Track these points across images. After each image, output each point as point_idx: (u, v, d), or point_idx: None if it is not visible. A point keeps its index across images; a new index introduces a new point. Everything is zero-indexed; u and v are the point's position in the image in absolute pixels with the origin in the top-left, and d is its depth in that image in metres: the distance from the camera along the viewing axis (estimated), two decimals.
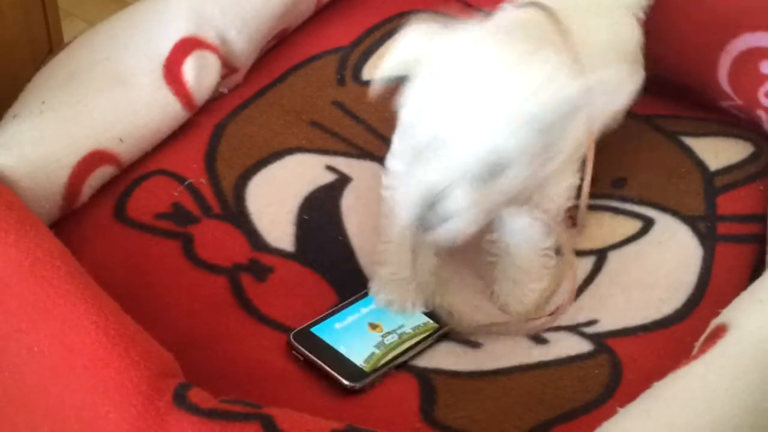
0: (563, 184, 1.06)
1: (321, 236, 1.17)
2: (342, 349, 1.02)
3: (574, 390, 1.03)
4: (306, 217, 1.18)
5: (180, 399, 0.79)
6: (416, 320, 1.07)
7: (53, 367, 0.84)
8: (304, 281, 1.12)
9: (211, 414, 0.78)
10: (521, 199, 0.98)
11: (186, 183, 1.19)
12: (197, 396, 0.80)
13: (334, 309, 1.07)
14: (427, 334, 1.06)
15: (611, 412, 0.90)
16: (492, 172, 0.87)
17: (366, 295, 1.09)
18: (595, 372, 1.05)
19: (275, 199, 1.20)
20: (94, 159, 1.12)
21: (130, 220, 1.14)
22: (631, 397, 0.92)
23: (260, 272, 1.12)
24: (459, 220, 0.88)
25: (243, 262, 1.12)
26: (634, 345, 1.07)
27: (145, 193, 1.17)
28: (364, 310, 1.07)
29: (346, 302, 1.08)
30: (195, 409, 0.78)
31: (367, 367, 1.01)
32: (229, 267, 1.11)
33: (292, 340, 1.03)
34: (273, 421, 0.78)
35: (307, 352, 1.02)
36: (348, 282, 1.11)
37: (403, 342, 1.05)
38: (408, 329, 1.06)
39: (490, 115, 0.85)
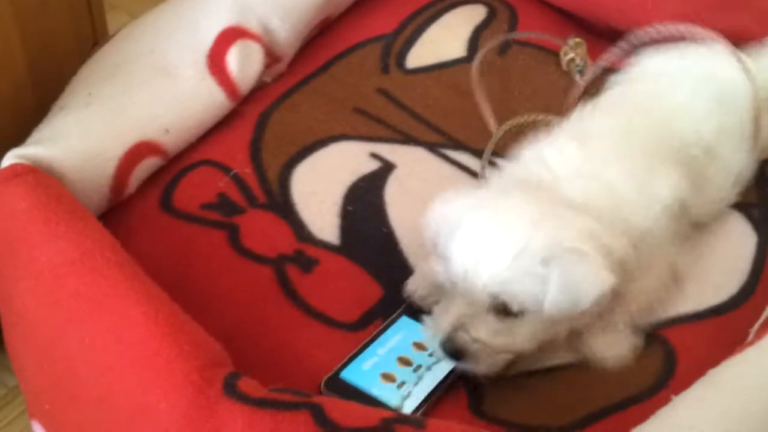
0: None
1: (365, 228, 1.16)
2: (374, 392, 0.98)
3: (626, 380, 1.02)
4: (350, 209, 1.18)
5: (230, 388, 0.80)
6: None
7: (104, 358, 0.84)
8: (350, 274, 1.11)
9: (261, 403, 0.78)
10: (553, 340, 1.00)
11: (231, 173, 1.19)
12: (247, 385, 0.80)
13: (365, 343, 1.03)
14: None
15: (665, 401, 0.90)
16: (502, 306, 0.95)
17: (395, 319, 1.06)
18: (648, 361, 1.04)
19: (320, 188, 1.20)
20: (141, 150, 1.13)
21: (177, 211, 1.14)
22: (686, 385, 0.91)
23: (306, 264, 1.11)
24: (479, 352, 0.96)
25: (288, 252, 1.12)
26: (688, 333, 1.06)
27: (191, 184, 1.18)
28: (393, 342, 1.03)
29: (375, 333, 1.04)
30: (245, 398, 0.79)
31: (403, 406, 0.97)
32: (274, 258, 1.11)
33: (324, 389, 0.98)
34: (322, 409, 0.78)
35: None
36: (393, 276, 1.10)
37: (436, 370, 1.01)
38: (438, 357, 1.02)
39: (492, 255, 0.95)
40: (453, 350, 0.96)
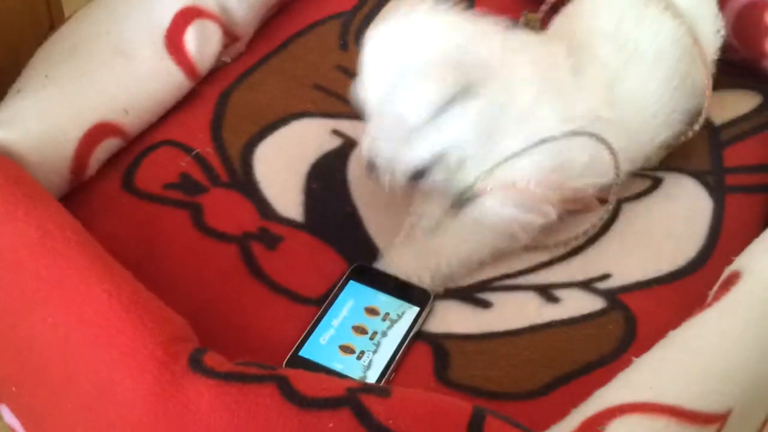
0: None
1: (329, 206, 1.16)
2: (337, 367, 0.99)
3: (589, 346, 1.03)
4: (314, 186, 1.18)
5: (195, 363, 0.80)
6: (396, 307, 1.05)
7: (68, 338, 0.84)
8: (314, 251, 1.11)
9: (227, 376, 0.78)
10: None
11: (193, 153, 1.19)
12: (212, 359, 0.81)
13: (317, 317, 1.03)
14: (413, 317, 1.04)
15: (627, 365, 0.91)
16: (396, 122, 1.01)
17: (344, 285, 1.06)
18: (609, 328, 1.05)
19: (282, 166, 1.20)
20: (100, 131, 1.12)
21: (139, 191, 1.14)
22: (647, 349, 0.92)
23: (270, 241, 1.11)
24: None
25: (253, 230, 1.12)
26: (648, 298, 1.07)
27: (153, 164, 1.17)
28: (345, 311, 1.04)
29: (326, 303, 1.04)
30: (211, 373, 0.79)
31: (366, 376, 0.98)
32: (239, 236, 1.11)
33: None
34: (288, 381, 0.79)
35: None
36: (357, 251, 1.11)
37: (392, 335, 1.02)
38: (392, 318, 1.04)
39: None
40: (368, 166, 1.04)
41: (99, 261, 0.88)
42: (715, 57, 1.23)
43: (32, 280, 0.88)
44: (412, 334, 1.02)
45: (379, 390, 0.80)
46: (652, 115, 1.14)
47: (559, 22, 1.21)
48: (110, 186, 1.14)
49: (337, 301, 1.05)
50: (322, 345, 1.00)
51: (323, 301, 1.05)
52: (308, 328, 1.02)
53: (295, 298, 1.06)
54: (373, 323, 1.03)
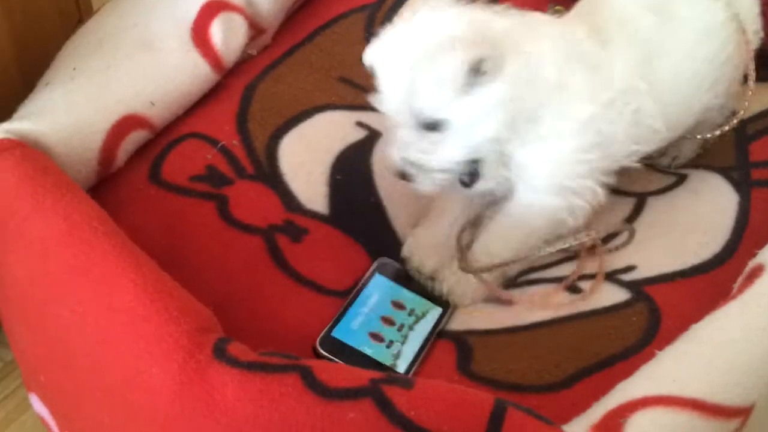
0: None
1: (353, 197, 1.17)
2: (368, 351, 1.01)
3: (612, 338, 1.03)
4: (338, 177, 1.18)
5: (220, 352, 0.80)
6: (421, 305, 1.06)
7: (95, 326, 0.85)
8: (339, 244, 1.12)
9: (250, 366, 0.79)
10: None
11: (219, 145, 1.19)
12: (237, 349, 0.81)
13: (346, 303, 1.05)
14: (437, 316, 1.05)
15: (650, 357, 0.91)
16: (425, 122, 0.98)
17: (369, 278, 1.08)
18: (632, 320, 1.05)
19: (307, 158, 1.20)
20: (127, 123, 1.13)
21: (166, 183, 1.15)
22: (671, 342, 0.92)
23: (295, 233, 1.12)
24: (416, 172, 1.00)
25: (278, 223, 1.13)
26: (673, 291, 1.07)
27: (180, 157, 1.18)
28: (373, 301, 1.06)
29: (353, 293, 1.06)
30: (235, 362, 0.79)
31: (396, 365, 1.00)
32: (264, 228, 1.12)
33: (319, 348, 1.00)
34: (311, 371, 0.79)
35: (336, 360, 0.99)
36: (381, 244, 1.12)
37: (418, 330, 1.04)
38: (418, 314, 1.05)
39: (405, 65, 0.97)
40: (399, 175, 1.00)
41: (125, 251, 0.89)
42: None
43: (60, 270, 0.89)
44: (437, 331, 1.04)
45: (401, 381, 0.81)
46: (691, 84, 1.11)
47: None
48: (137, 178, 1.15)
49: (364, 291, 1.06)
50: (353, 329, 1.02)
51: (347, 294, 1.06)
52: (339, 311, 1.03)
53: (320, 290, 1.07)
54: (399, 316, 1.04)
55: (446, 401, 0.81)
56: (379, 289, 1.07)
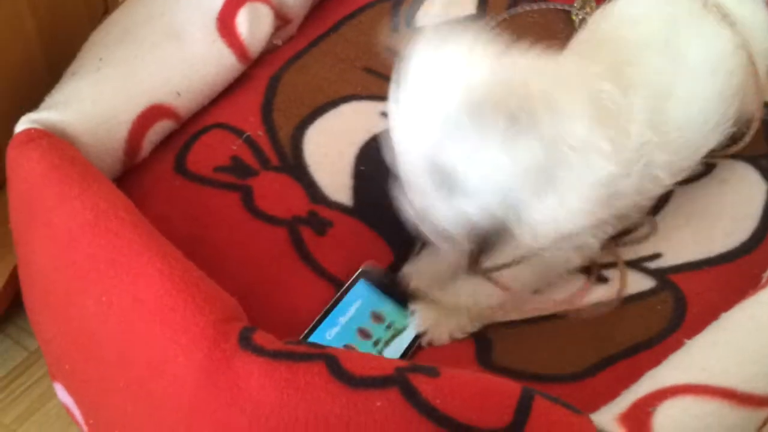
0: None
1: (378, 189, 1.15)
2: None
3: (637, 326, 1.03)
4: (363, 168, 1.18)
5: (245, 341, 0.80)
6: (401, 318, 1.04)
7: (121, 316, 0.85)
8: (362, 238, 1.12)
9: (276, 354, 0.79)
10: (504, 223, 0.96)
11: (244, 136, 1.19)
12: (262, 338, 0.81)
13: (325, 311, 1.03)
14: (412, 336, 1.02)
15: (676, 346, 0.90)
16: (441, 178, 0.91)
17: (353, 283, 1.05)
18: (657, 308, 1.04)
19: (332, 149, 1.20)
20: (153, 113, 1.14)
21: (191, 174, 1.15)
22: (697, 331, 0.91)
23: (319, 226, 1.12)
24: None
25: (302, 214, 1.13)
26: (699, 279, 1.07)
27: (204, 147, 1.18)
28: (353, 310, 1.03)
29: (334, 299, 1.04)
30: (260, 351, 0.79)
31: None
32: (288, 219, 1.12)
33: None
34: (337, 360, 0.79)
35: None
36: (404, 239, 1.10)
37: (394, 346, 1.01)
38: (396, 329, 1.03)
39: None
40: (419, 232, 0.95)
41: (151, 240, 0.89)
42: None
43: (86, 259, 0.89)
44: (411, 351, 1.02)
45: (427, 370, 0.80)
46: (700, 128, 1.06)
47: (594, 28, 1.12)
48: (162, 168, 1.15)
49: (345, 299, 1.04)
50: (328, 340, 1.00)
51: None
52: (317, 318, 1.02)
53: (341, 286, 1.06)
54: (377, 330, 1.02)
55: (472, 390, 0.80)
56: (360, 297, 1.05)
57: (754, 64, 1.10)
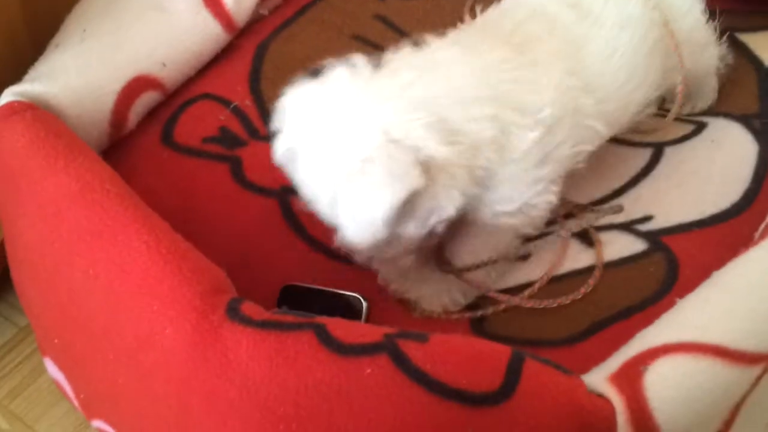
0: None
1: None
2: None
3: (629, 289, 1.02)
4: None
5: (233, 312, 0.80)
6: None
7: (108, 288, 0.85)
8: None
9: (264, 324, 0.78)
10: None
11: (232, 106, 1.19)
12: (250, 309, 0.81)
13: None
14: None
15: (669, 308, 0.90)
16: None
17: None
18: (650, 270, 1.04)
19: None
20: (139, 84, 1.13)
21: (178, 145, 1.14)
22: (690, 292, 0.91)
23: None
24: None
25: (290, 184, 1.12)
26: (691, 241, 1.06)
27: (192, 118, 1.18)
28: None
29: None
30: (248, 321, 0.79)
31: None
32: (277, 189, 1.11)
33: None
34: (326, 328, 0.78)
35: None
36: None
37: None
38: None
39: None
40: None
41: (138, 212, 0.88)
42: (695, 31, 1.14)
43: (72, 231, 0.88)
44: None
45: (416, 335, 0.80)
46: (619, 76, 1.03)
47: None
48: (149, 140, 1.15)
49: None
50: None
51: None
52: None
53: (333, 257, 1.05)
54: None
55: (462, 353, 0.80)
56: None
57: (668, 26, 1.09)
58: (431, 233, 0.92)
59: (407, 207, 0.86)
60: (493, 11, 1.06)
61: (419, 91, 0.88)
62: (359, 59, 0.91)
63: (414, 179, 0.84)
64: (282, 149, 0.90)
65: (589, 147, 1.01)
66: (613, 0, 1.06)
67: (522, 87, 0.94)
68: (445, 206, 0.89)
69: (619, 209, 1.10)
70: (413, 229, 0.89)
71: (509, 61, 0.95)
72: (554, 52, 0.99)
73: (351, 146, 0.85)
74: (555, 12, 1.03)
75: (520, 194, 0.96)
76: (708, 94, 1.20)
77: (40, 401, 1.10)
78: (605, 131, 1.03)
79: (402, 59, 0.92)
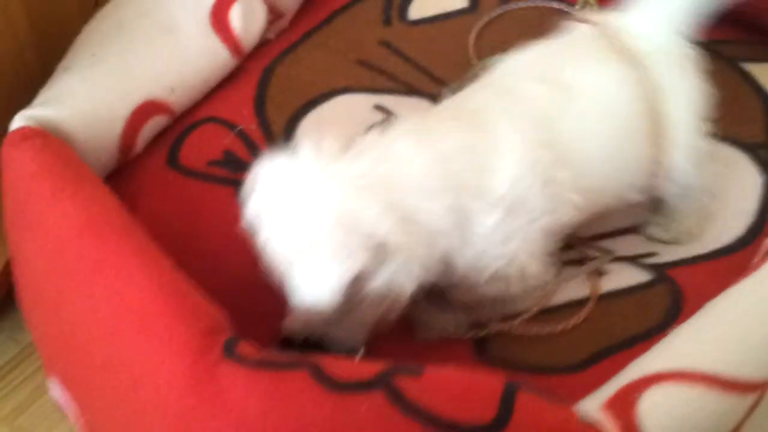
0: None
1: None
2: None
3: (633, 319, 1.03)
4: None
5: (229, 351, 0.80)
6: None
7: (108, 321, 0.85)
8: None
9: (260, 364, 0.79)
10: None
11: (237, 130, 1.20)
12: (246, 349, 0.81)
13: None
14: None
15: None
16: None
17: None
18: (655, 300, 1.05)
19: None
20: (148, 109, 1.14)
21: (184, 168, 1.15)
22: None
23: None
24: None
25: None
26: (696, 273, 1.07)
27: (197, 141, 1.19)
28: None
29: None
30: (244, 360, 0.79)
31: None
32: None
33: None
34: (320, 367, 0.79)
35: None
36: None
37: None
38: None
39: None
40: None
41: (142, 247, 0.89)
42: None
43: (76, 261, 0.89)
44: None
45: (409, 370, 0.80)
46: (601, 147, 1.01)
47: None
48: (155, 163, 1.16)
49: None
50: None
51: None
52: None
53: None
54: None
55: (456, 387, 0.80)
56: None
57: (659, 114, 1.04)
58: (393, 309, 0.93)
59: (357, 286, 0.88)
60: (467, 90, 1.05)
61: (375, 180, 0.91)
62: (328, 140, 0.93)
63: (358, 263, 0.87)
64: (249, 216, 0.93)
65: (568, 218, 1.00)
66: (597, 78, 1.03)
67: (481, 173, 0.94)
68: (404, 285, 0.91)
69: (610, 255, 1.10)
70: (369, 307, 0.91)
71: (468, 148, 0.95)
72: (522, 128, 0.97)
73: (304, 226, 0.88)
74: (525, 89, 1.00)
75: (486, 269, 0.96)
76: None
77: (44, 419, 1.10)
78: (585, 204, 1.00)
79: (364, 146, 0.94)
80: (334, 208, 0.88)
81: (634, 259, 1.09)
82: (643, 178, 1.05)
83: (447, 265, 0.94)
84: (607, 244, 1.11)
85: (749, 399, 0.85)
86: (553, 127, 0.98)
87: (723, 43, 1.32)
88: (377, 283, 0.89)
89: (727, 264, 1.07)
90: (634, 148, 1.03)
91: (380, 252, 0.88)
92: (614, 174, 1.03)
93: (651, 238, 1.12)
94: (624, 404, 0.82)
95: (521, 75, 1.03)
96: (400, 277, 0.90)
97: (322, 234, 0.87)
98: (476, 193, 0.94)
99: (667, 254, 1.09)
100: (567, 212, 0.99)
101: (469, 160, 0.94)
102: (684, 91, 1.05)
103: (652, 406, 0.81)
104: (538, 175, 0.96)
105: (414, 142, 0.94)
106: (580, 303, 1.05)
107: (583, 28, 1.07)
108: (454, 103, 1.04)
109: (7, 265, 1.08)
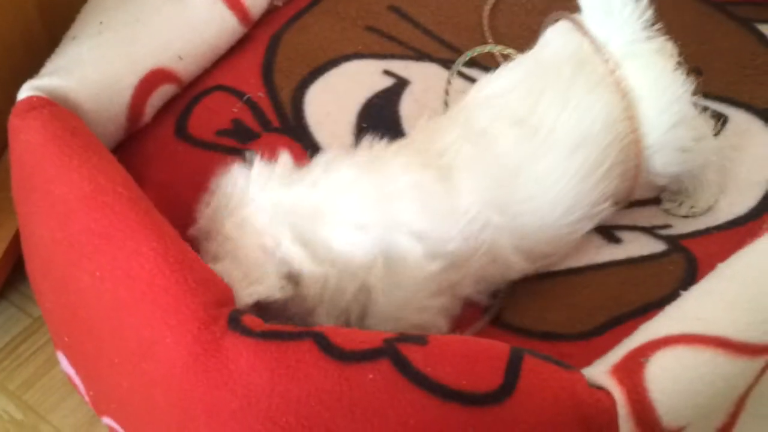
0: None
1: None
2: None
3: (648, 286, 1.02)
4: (365, 125, 1.17)
5: (234, 323, 0.80)
6: None
7: (114, 292, 0.85)
8: None
9: (264, 335, 0.79)
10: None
11: (245, 98, 1.19)
12: (251, 321, 0.81)
13: None
14: None
15: None
16: None
17: None
18: (669, 269, 1.04)
19: (333, 108, 1.20)
20: (156, 77, 1.13)
21: (192, 138, 1.15)
22: None
23: None
24: None
25: None
26: (710, 242, 1.06)
27: (205, 110, 1.18)
28: None
29: None
30: (249, 332, 0.79)
31: None
32: None
33: None
34: (326, 336, 0.79)
35: None
36: None
37: None
38: None
39: None
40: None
41: (148, 218, 0.88)
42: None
43: (82, 232, 0.89)
44: None
45: (415, 338, 0.80)
46: (563, 212, 0.99)
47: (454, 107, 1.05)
48: (164, 133, 1.15)
49: None
50: None
51: None
52: None
53: None
54: None
55: (462, 354, 0.80)
56: None
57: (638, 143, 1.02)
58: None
59: (275, 306, 0.89)
60: (439, 122, 1.03)
61: (306, 208, 0.93)
62: (284, 155, 0.97)
63: (266, 289, 0.88)
64: (201, 222, 0.96)
65: (500, 279, 1.00)
66: (570, 114, 0.99)
67: (432, 216, 0.94)
68: (320, 316, 0.92)
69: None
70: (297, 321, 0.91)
71: (421, 187, 0.94)
72: (482, 186, 0.95)
73: (229, 238, 0.91)
74: (497, 133, 0.98)
75: (405, 318, 0.95)
76: (708, 192, 1.10)
77: (54, 392, 1.10)
78: (524, 265, 0.99)
79: (312, 171, 0.96)
80: (259, 229, 0.91)
81: (649, 230, 1.09)
82: (619, 191, 1.03)
83: (367, 300, 0.94)
84: (625, 213, 1.09)
85: (759, 362, 0.84)
86: (515, 181, 0.96)
87: (737, 5, 1.30)
88: (293, 306, 0.91)
89: (741, 233, 1.06)
90: (606, 185, 1.00)
91: (291, 279, 0.90)
92: (576, 221, 1.00)
93: (667, 213, 1.11)
94: (631, 368, 0.81)
95: (495, 111, 1.00)
96: (319, 307, 0.92)
97: (239, 252, 0.90)
98: (421, 235, 0.93)
99: (682, 226, 1.09)
100: (503, 275, 1.00)
101: (420, 201, 0.94)
102: (659, 93, 1.02)
103: (659, 369, 0.81)
104: (485, 240, 0.95)
105: (355, 175, 0.95)
106: (601, 267, 1.05)
107: (561, 42, 1.04)
108: (421, 137, 1.01)
109: (17, 236, 1.08)
